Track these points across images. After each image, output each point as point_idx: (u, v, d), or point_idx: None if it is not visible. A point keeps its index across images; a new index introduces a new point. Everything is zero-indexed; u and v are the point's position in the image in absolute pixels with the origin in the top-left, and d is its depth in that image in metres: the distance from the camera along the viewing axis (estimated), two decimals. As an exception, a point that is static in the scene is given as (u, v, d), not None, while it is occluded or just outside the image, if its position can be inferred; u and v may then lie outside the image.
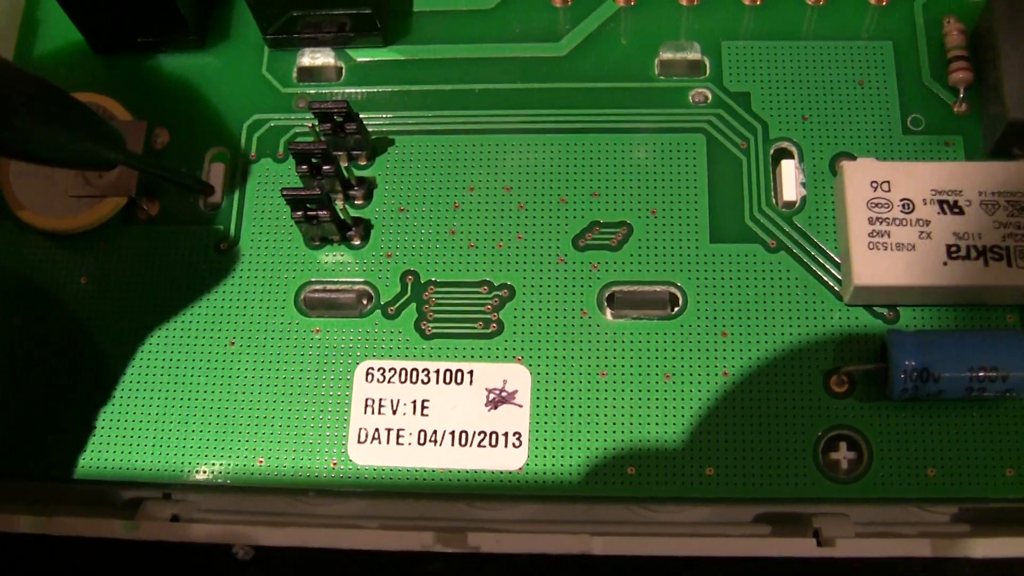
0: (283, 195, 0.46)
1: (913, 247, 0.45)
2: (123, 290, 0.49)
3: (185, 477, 0.47)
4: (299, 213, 0.47)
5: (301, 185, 0.48)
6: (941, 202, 0.45)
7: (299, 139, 0.50)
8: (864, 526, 0.46)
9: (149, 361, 0.48)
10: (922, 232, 0.45)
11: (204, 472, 0.46)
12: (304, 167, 0.47)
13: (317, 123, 0.48)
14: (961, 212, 0.45)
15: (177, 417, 0.47)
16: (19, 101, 0.41)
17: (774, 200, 0.48)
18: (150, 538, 0.46)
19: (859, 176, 0.46)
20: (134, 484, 0.47)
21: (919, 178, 0.46)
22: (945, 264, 0.45)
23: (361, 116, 0.49)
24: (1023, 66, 0.47)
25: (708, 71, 0.50)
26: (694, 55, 0.50)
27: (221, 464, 0.46)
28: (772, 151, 0.49)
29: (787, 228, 0.47)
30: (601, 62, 0.51)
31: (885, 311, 0.46)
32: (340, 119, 0.48)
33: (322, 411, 0.47)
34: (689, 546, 0.44)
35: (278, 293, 0.48)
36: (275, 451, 0.46)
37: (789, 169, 0.48)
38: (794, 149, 0.49)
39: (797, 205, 0.48)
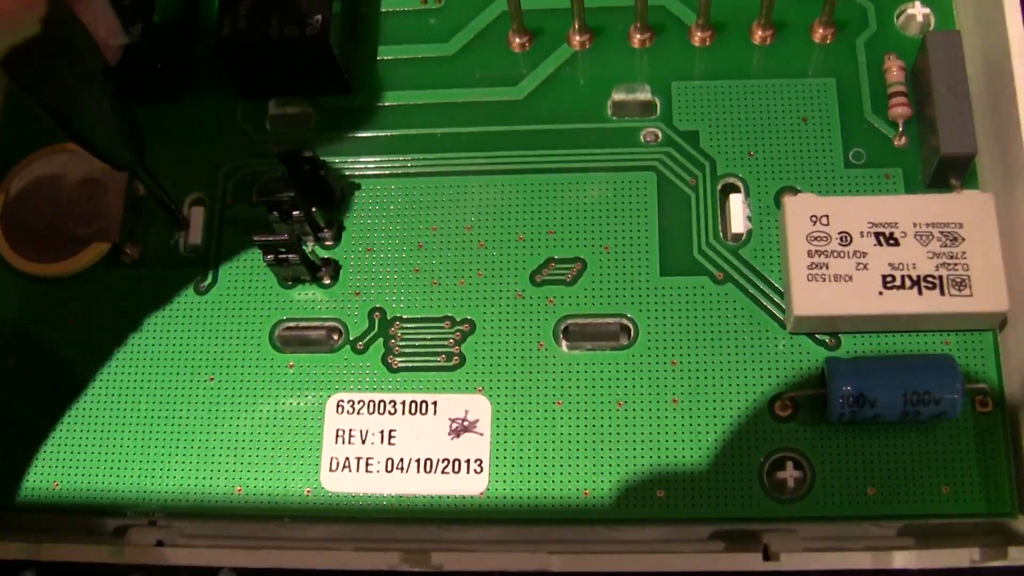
0: (255, 242, 0.49)
1: (850, 278, 0.47)
2: (109, 330, 0.52)
3: (168, 505, 0.49)
4: (271, 257, 0.49)
5: (274, 228, 0.50)
6: (877, 234, 0.47)
7: (271, 185, 0.53)
8: (811, 541, 0.48)
9: (134, 396, 0.51)
10: (859, 263, 0.47)
11: (186, 500, 0.49)
12: (275, 213, 0.50)
13: (286, 170, 0.50)
14: (896, 243, 0.47)
15: (161, 449, 0.50)
16: (86, 66, 0.44)
17: (722, 234, 0.50)
18: (136, 562, 0.48)
19: (799, 211, 0.48)
20: (120, 513, 0.50)
21: (856, 211, 0.48)
22: (881, 294, 0.47)
23: (330, 160, 0.52)
24: (956, 102, 0.49)
25: (659, 111, 0.53)
26: (645, 96, 0.53)
27: (202, 492, 0.49)
28: (720, 187, 0.51)
29: (734, 260, 0.50)
30: (557, 104, 0.53)
31: (827, 339, 0.48)
32: (308, 167, 0.50)
33: (296, 441, 0.49)
34: (644, 562, 0.47)
35: (254, 331, 0.51)
36: (252, 479, 0.49)
37: (736, 203, 0.51)
38: (741, 184, 0.51)
39: (744, 238, 0.50)
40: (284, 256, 0.49)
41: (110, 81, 0.45)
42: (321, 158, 0.51)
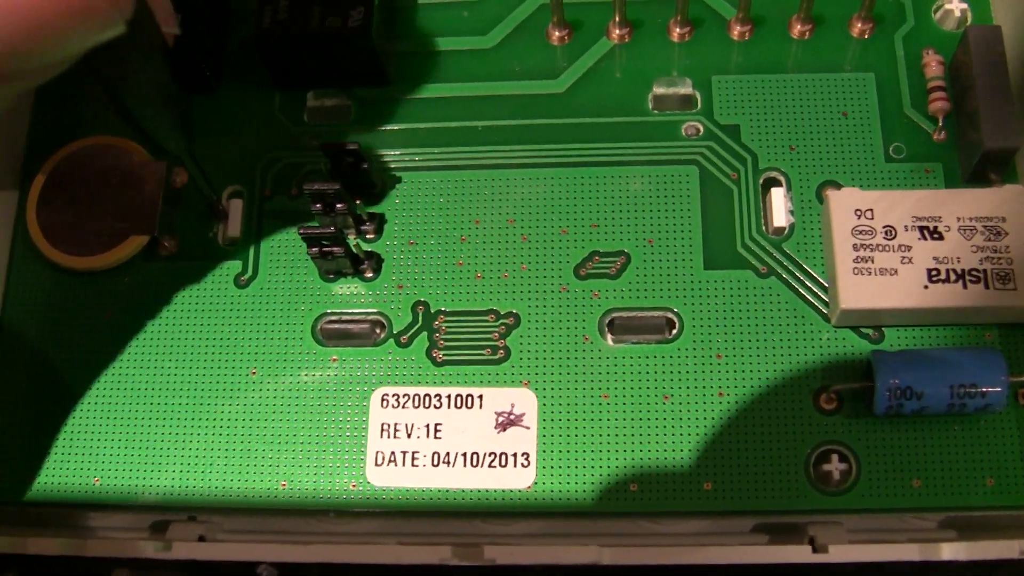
0: (300, 234, 0.49)
1: (895, 271, 0.47)
2: (147, 323, 0.52)
3: (210, 500, 0.49)
4: (314, 249, 0.49)
5: (315, 222, 0.50)
6: (922, 228, 0.48)
7: (312, 177, 0.53)
8: (855, 533, 0.48)
9: (174, 391, 0.51)
10: (904, 257, 0.47)
11: (228, 496, 0.49)
12: (318, 206, 0.49)
13: (328, 163, 0.50)
14: (941, 237, 0.47)
15: (202, 443, 0.50)
16: (148, 44, 0.44)
17: (764, 227, 0.50)
18: (180, 558, 0.48)
19: (843, 205, 0.48)
20: (160, 508, 0.50)
21: (900, 206, 0.48)
22: (926, 287, 0.47)
23: (370, 153, 0.52)
24: (997, 95, 0.49)
25: (699, 105, 0.53)
26: (686, 90, 0.53)
27: (245, 487, 0.49)
28: (761, 180, 0.51)
29: (776, 254, 0.50)
30: (597, 98, 0.53)
31: (870, 332, 0.49)
32: (351, 159, 0.50)
33: (340, 436, 0.49)
34: (693, 555, 0.47)
35: (295, 324, 0.51)
36: (296, 474, 0.49)
37: (778, 197, 0.51)
38: (782, 178, 0.51)
39: (786, 232, 0.50)
40: (328, 249, 0.49)
41: (167, 64, 0.45)
42: (363, 151, 0.50)
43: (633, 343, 0.49)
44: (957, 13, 0.53)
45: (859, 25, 0.53)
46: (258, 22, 0.52)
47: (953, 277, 0.47)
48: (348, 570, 0.48)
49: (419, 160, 0.53)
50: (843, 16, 0.54)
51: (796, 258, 0.50)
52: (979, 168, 0.50)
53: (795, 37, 0.53)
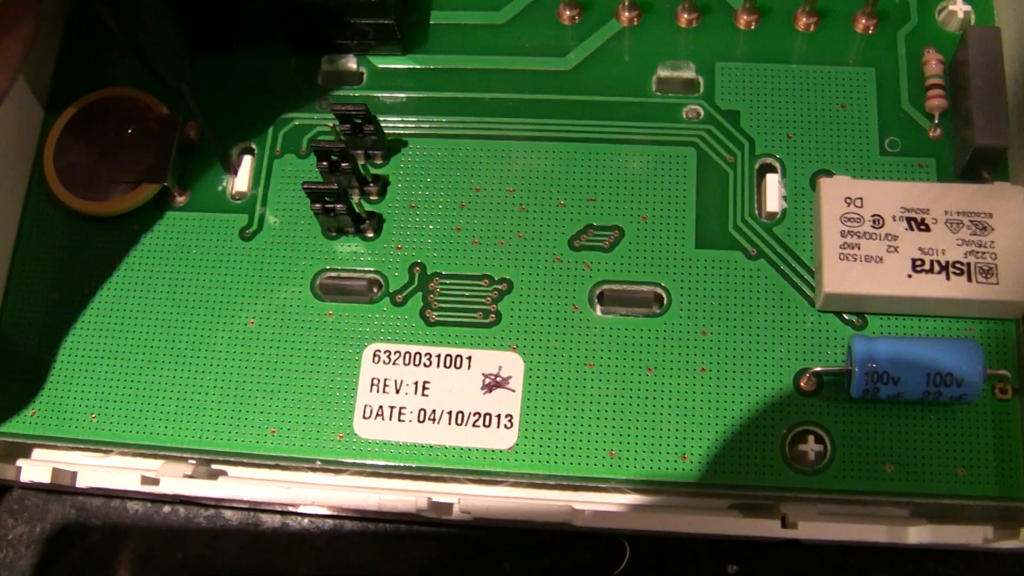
0: (304, 188, 0.50)
1: (881, 259, 0.48)
2: (154, 270, 0.53)
3: (201, 443, 0.50)
4: (318, 206, 0.50)
5: (321, 180, 0.52)
6: (909, 219, 0.49)
7: (321, 138, 0.54)
8: (826, 515, 0.49)
9: (174, 336, 0.52)
10: (890, 246, 0.48)
11: (219, 439, 0.50)
12: (324, 163, 0.51)
13: (338, 123, 0.52)
14: (927, 229, 0.48)
15: (197, 388, 0.51)
16: None
17: (757, 211, 0.51)
18: (166, 492, 0.50)
19: (834, 192, 0.49)
20: (152, 447, 0.51)
21: (890, 196, 0.49)
22: (910, 276, 0.48)
23: (379, 118, 0.53)
24: (991, 95, 0.50)
25: (701, 89, 0.54)
26: (689, 73, 0.54)
27: (237, 432, 0.50)
28: (757, 166, 0.52)
29: (767, 237, 0.51)
30: (602, 77, 0.54)
31: (854, 318, 0.49)
32: (359, 121, 0.51)
33: (331, 388, 0.50)
34: (665, 522, 0.48)
35: (295, 278, 0.52)
36: (287, 422, 0.50)
37: (773, 183, 0.52)
38: (778, 165, 0.52)
39: (778, 217, 0.51)
40: (331, 205, 0.50)
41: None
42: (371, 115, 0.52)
43: (621, 315, 0.50)
44: (960, 15, 0.54)
45: (863, 21, 0.54)
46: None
47: (937, 268, 0.48)
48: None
49: (426, 127, 0.54)
50: (848, 12, 0.54)
51: (786, 242, 0.51)
52: (972, 165, 0.50)
53: (800, 29, 0.54)
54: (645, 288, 0.51)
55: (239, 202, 0.54)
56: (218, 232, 0.54)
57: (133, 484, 0.49)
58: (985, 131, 0.49)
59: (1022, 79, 0.51)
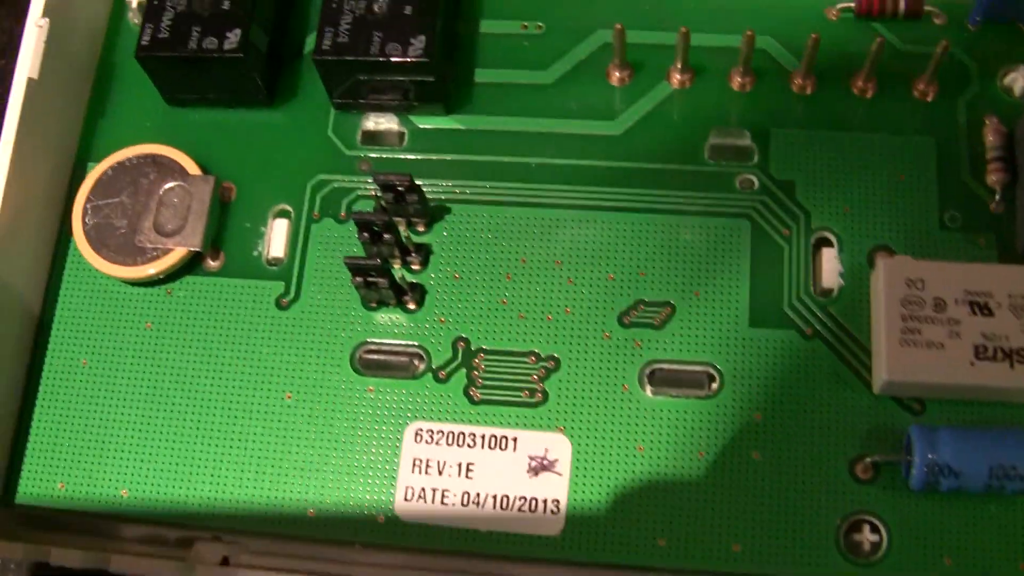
0: (346, 263, 0.48)
1: (943, 345, 0.47)
2: (186, 337, 0.52)
3: (237, 522, 0.49)
4: (359, 279, 0.49)
5: (361, 249, 0.50)
6: (972, 303, 0.47)
7: (361, 203, 0.52)
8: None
9: (207, 408, 0.51)
10: (952, 331, 0.47)
11: (256, 518, 0.48)
12: (366, 235, 0.49)
13: (379, 191, 0.50)
14: (991, 314, 0.47)
15: (232, 463, 0.50)
16: None
17: (812, 288, 0.50)
18: (202, 579, 0.48)
19: (895, 273, 0.48)
20: (186, 525, 0.50)
21: (952, 277, 0.48)
22: (972, 364, 0.46)
23: (421, 182, 0.51)
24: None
25: (756, 157, 0.52)
26: (743, 141, 0.52)
27: (273, 512, 0.49)
28: (813, 240, 0.51)
29: (823, 316, 0.49)
30: (653, 143, 0.53)
31: (913, 403, 0.48)
32: (402, 189, 0.50)
33: (371, 467, 0.49)
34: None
35: (334, 351, 0.51)
36: (325, 503, 0.49)
37: (829, 258, 0.50)
38: (834, 239, 0.50)
39: (834, 294, 0.50)
40: (373, 279, 0.49)
41: None
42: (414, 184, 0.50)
43: (672, 396, 0.49)
44: (1022, 83, 0.52)
45: (922, 86, 0.52)
46: (317, 43, 0.51)
47: (1000, 355, 0.47)
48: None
49: (470, 193, 0.53)
50: (908, 77, 0.53)
51: (842, 322, 0.49)
52: (1036, 245, 0.49)
53: (857, 94, 0.52)
54: (697, 368, 0.49)
55: (275, 268, 0.52)
56: (253, 299, 0.52)
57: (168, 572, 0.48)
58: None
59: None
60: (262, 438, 0.50)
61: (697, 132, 0.53)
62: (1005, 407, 0.48)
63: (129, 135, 0.55)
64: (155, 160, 0.53)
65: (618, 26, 0.51)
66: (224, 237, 0.53)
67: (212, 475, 0.50)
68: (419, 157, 0.54)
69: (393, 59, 0.51)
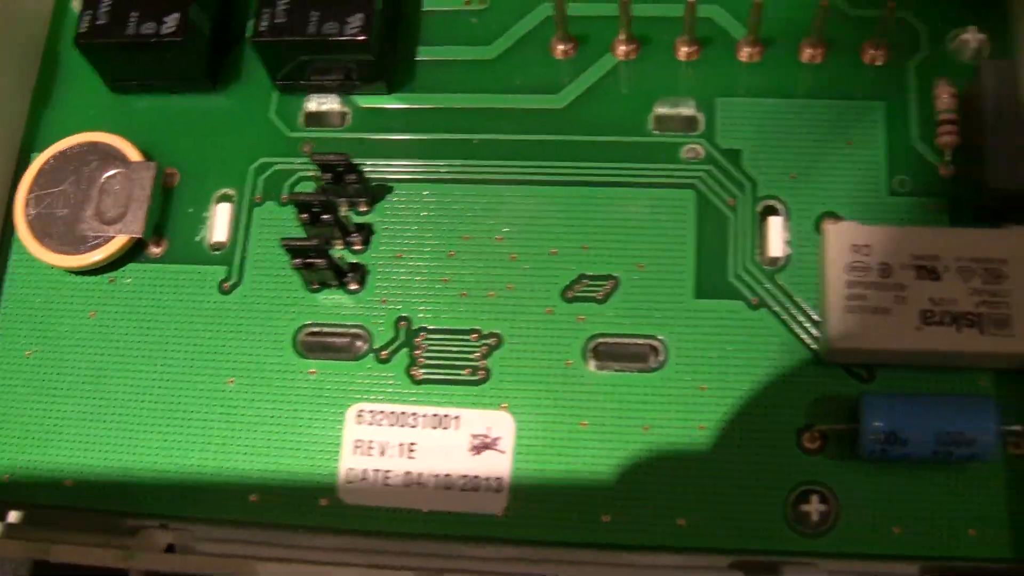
0: (283, 245, 0.48)
1: (888, 311, 0.46)
2: (129, 326, 0.51)
3: (181, 509, 0.49)
4: (298, 261, 0.48)
5: (303, 230, 0.49)
6: (919, 267, 0.46)
7: (303, 185, 0.52)
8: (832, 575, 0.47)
9: (152, 395, 0.50)
10: (898, 296, 0.46)
11: (200, 503, 0.48)
12: (304, 216, 0.49)
13: (319, 171, 0.49)
14: (938, 277, 0.46)
15: (176, 451, 0.49)
16: None
17: (758, 258, 0.49)
18: (146, 568, 0.48)
19: (840, 239, 0.47)
20: (131, 514, 0.49)
21: (898, 242, 0.47)
22: (919, 329, 0.46)
23: (364, 162, 0.51)
24: (1007, 135, 0.47)
25: (702, 127, 0.51)
26: (688, 111, 0.52)
27: (217, 497, 0.48)
28: (760, 208, 0.50)
29: (769, 286, 0.49)
30: (598, 115, 0.52)
31: (861, 372, 0.47)
32: (340, 170, 0.49)
33: (314, 451, 0.49)
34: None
35: (276, 334, 0.50)
36: (268, 488, 0.48)
37: (775, 227, 0.49)
38: (781, 207, 0.50)
39: (781, 263, 0.49)
40: (312, 261, 0.48)
41: None
42: (355, 160, 0.50)
43: (616, 371, 0.48)
44: (973, 43, 0.51)
45: (871, 51, 0.51)
46: (256, 25, 0.51)
47: (948, 320, 0.46)
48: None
49: (412, 171, 0.52)
50: (856, 42, 0.52)
51: (789, 291, 0.48)
52: (984, 207, 0.48)
53: (805, 61, 0.52)
54: (641, 341, 0.49)
55: (218, 253, 0.52)
56: (196, 285, 0.52)
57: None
58: (999, 174, 0.47)
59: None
60: (206, 424, 0.50)
61: (642, 103, 0.52)
62: (953, 373, 0.47)
63: (73, 123, 0.54)
64: (97, 148, 0.52)
65: (558, -1, 0.51)
66: (167, 223, 0.53)
67: (156, 463, 0.49)
68: (362, 137, 0.53)
69: (330, 38, 0.50)
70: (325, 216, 0.49)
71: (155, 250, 0.52)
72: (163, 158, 0.53)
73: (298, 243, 0.48)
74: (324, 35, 0.50)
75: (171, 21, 0.51)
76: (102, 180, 0.52)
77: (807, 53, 0.52)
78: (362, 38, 0.50)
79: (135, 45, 0.51)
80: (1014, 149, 0.47)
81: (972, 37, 0.51)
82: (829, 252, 0.47)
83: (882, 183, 0.50)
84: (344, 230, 0.50)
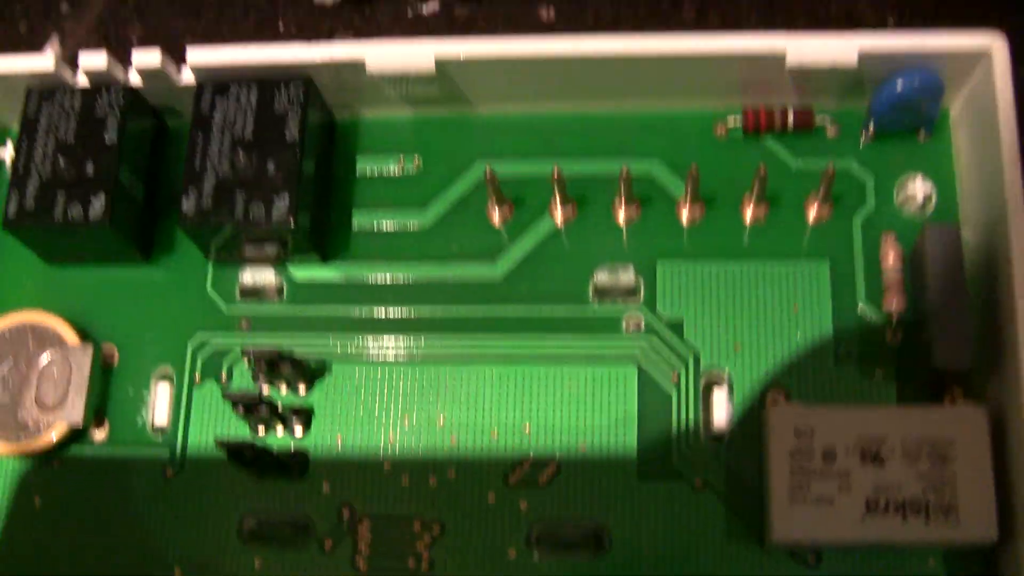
0: (217, 445, 0.47)
1: (832, 501, 0.45)
2: (75, 514, 0.51)
3: None
4: (236, 460, 0.48)
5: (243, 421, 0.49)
6: (863, 451, 0.46)
7: (242, 364, 0.52)
8: None
9: (97, 586, 0.49)
10: (842, 484, 0.45)
11: None
12: (241, 408, 0.48)
13: (252, 362, 0.49)
14: (883, 463, 0.45)
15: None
16: None
17: (702, 434, 0.48)
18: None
19: (783, 423, 0.46)
20: None
21: (842, 424, 0.46)
22: (863, 519, 0.45)
23: (300, 337, 0.51)
24: (951, 307, 0.47)
25: (642, 295, 0.50)
26: (627, 279, 0.51)
27: None
28: (703, 382, 0.49)
29: (714, 465, 0.48)
30: (536, 285, 0.51)
31: (808, 556, 0.47)
32: (273, 361, 0.48)
33: (264, 647, 0.48)
34: None
35: (220, 522, 0.50)
36: None
37: (720, 402, 0.49)
38: (725, 380, 0.49)
39: (726, 438, 0.48)
40: (252, 456, 0.48)
41: None
42: (292, 336, 0.50)
43: (561, 559, 0.48)
44: (919, 198, 0.50)
45: (815, 207, 0.50)
46: (179, 207, 0.50)
47: (893, 508, 0.45)
48: None
49: (350, 349, 0.51)
50: (800, 194, 0.51)
51: (735, 469, 0.48)
52: (931, 381, 0.47)
53: (748, 223, 0.50)
54: (585, 526, 0.48)
55: (160, 436, 0.51)
56: (139, 471, 0.51)
57: None
58: (944, 351, 0.46)
59: (986, 280, 0.47)
60: (154, 621, 0.49)
61: (582, 271, 0.51)
62: (901, 555, 0.47)
63: (11, 298, 0.53)
64: (33, 329, 0.52)
65: (488, 169, 0.50)
66: (108, 405, 0.52)
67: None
68: (298, 311, 0.52)
69: (255, 225, 0.49)
70: (261, 408, 0.48)
71: (98, 435, 0.51)
72: (100, 333, 0.52)
73: (234, 443, 0.47)
74: (250, 220, 0.49)
75: (97, 204, 0.50)
76: (41, 365, 0.51)
77: (749, 212, 0.50)
78: (288, 220, 0.49)
79: (62, 229, 0.50)
80: (959, 322, 0.46)
81: (918, 189, 0.50)
82: (772, 437, 0.46)
83: (828, 351, 0.49)
84: (283, 418, 0.49)
